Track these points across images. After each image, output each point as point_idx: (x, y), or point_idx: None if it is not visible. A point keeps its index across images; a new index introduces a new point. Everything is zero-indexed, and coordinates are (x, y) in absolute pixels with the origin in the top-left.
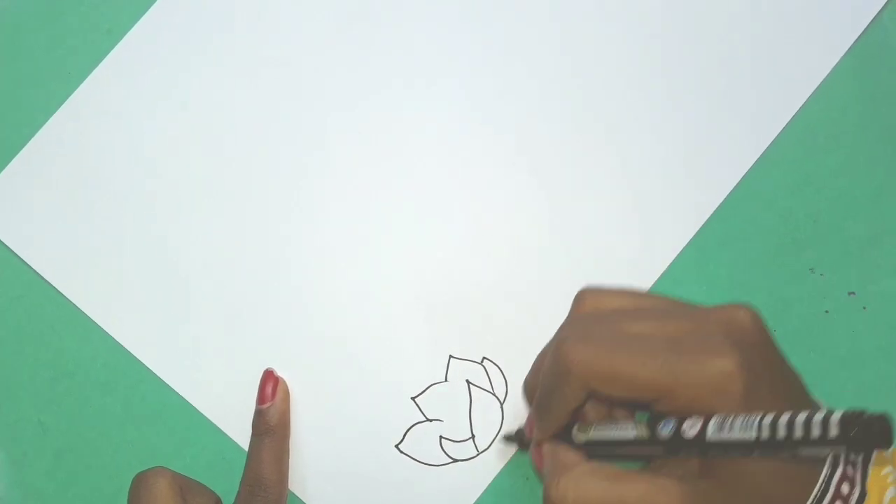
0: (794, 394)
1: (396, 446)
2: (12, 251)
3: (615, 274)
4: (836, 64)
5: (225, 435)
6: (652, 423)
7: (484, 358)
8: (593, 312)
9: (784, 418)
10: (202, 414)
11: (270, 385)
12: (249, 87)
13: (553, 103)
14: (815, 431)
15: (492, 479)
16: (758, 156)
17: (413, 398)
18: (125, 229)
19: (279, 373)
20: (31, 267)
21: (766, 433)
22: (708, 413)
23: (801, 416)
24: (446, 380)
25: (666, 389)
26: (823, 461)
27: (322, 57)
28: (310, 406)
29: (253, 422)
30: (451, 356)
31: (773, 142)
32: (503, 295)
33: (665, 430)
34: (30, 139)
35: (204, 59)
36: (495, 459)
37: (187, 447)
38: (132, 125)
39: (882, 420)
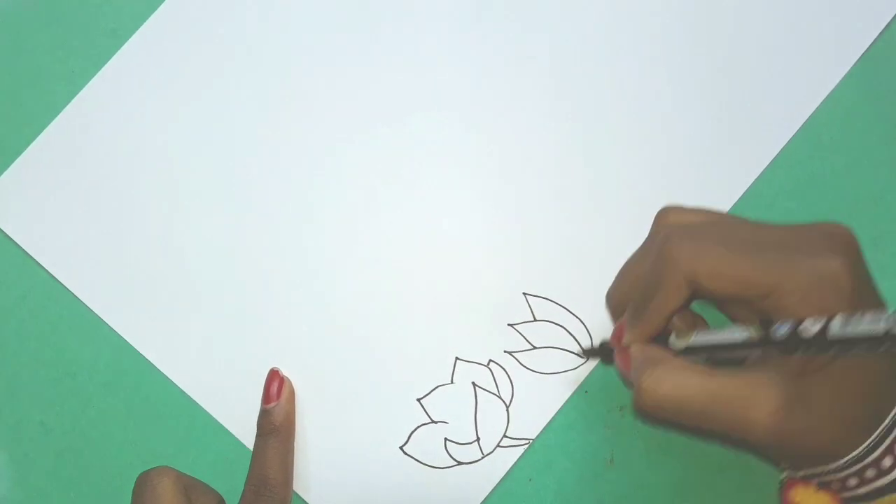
0: (887, 304)
1: (401, 448)
2: (17, 248)
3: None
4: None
5: (229, 434)
6: (764, 325)
7: (490, 360)
8: (686, 222)
9: None
10: (207, 413)
11: (276, 384)
12: (255, 86)
13: (561, 106)
14: None
15: (497, 482)
16: (768, 162)
17: (418, 400)
18: (132, 227)
19: (284, 372)
20: (35, 266)
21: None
22: (817, 310)
23: None
24: (452, 382)
25: (776, 285)
26: None
27: (328, 58)
28: (315, 406)
29: (258, 421)
30: (457, 358)
31: None
32: (510, 297)
33: (781, 330)
34: (35, 137)
35: (209, 61)
36: (500, 462)
37: (190, 447)
38: (139, 124)
39: None
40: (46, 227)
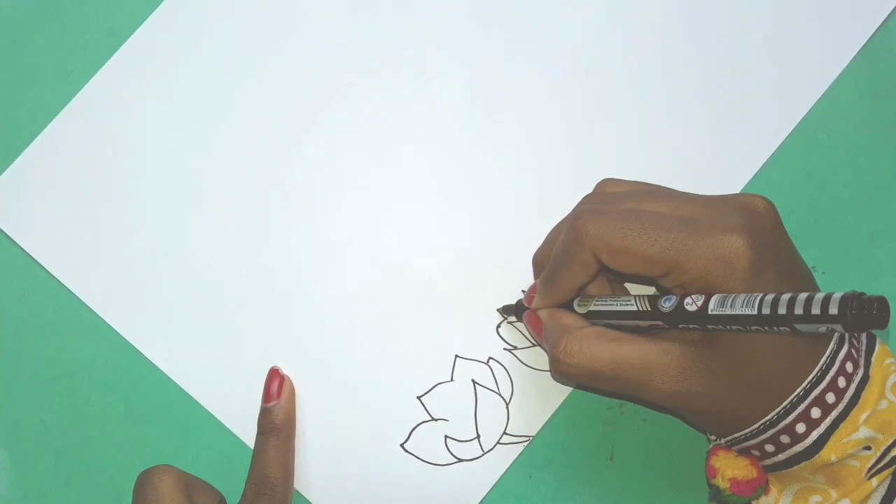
0: (801, 282)
1: (402, 445)
2: (16, 248)
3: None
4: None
5: (229, 432)
6: (653, 298)
7: (490, 358)
8: (609, 192)
9: (785, 297)
10: (206, 411)
11: (276, 383)
12: (254, 85)
13: (559, 104)
14: (815, 310)
15: (497, 478)
16: (765, 159)
17: (419, 397)
18: (131, 226)
19: (285, 371)
20: (34, 265)
21: (766, 309)
22: (712, 289)
23: (803, 296)
24: (452, 379)
25: (674, 264)
26: (829, 339)
27: (327, 57)
28: (315, 404)
29: (259, 420)
30: (456, 356)
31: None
32: (510, 296)
33: (667, 304)
34: (34, 137)
35: (207, 60)
36: (500, 459)
37: (190, 445)
38: (138, 123)
39: (881, 301)
40: (45, 226)
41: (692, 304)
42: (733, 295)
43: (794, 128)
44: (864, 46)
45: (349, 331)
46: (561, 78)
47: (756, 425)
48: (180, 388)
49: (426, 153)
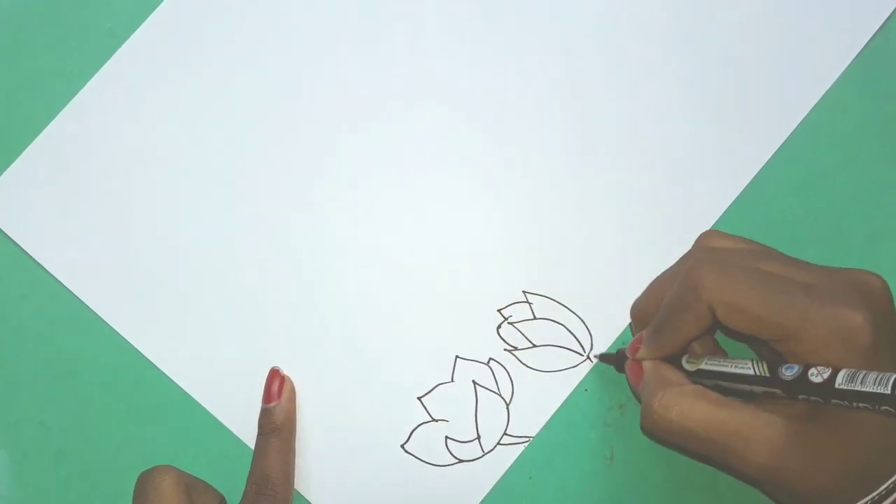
0: None
1: (402, 446)
2: (17, 248)
3: (623, 275)
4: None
5: (229, 433)
6: (773, 365)
7: (490, 359)
8: (723, 248)
9: None
10: (207, 411)
11: (276, 383)
12: (254, 85)
13: (560, 104)
14: None
15: (497, 479)
16: (766, 160)
17: (419, 398)
18: (131, 226)
19: (285, 371)
20: (34, 265)
21: None
22: (830, 362)
23: None
24: (452, 380)
25: (794, 330)
26: None
27: (327, 56)
28: (315, 405)
29: (259, 421)
30: (457, 356)
31: None
32: (510, 295)
33: (789, 372)
34: (34, 138)
35: (207, 60)
36: (501, 460)
37: (190, 446)
38: (138, 124)
39: None
40: (45, 226)
41: (818, 375)
42: (864, 371)
43: (795, 128)
44: (864, 47)
45: (349, 331)
46: (560, 78)
47: None
48: (180, 388)
49: (426, 153)
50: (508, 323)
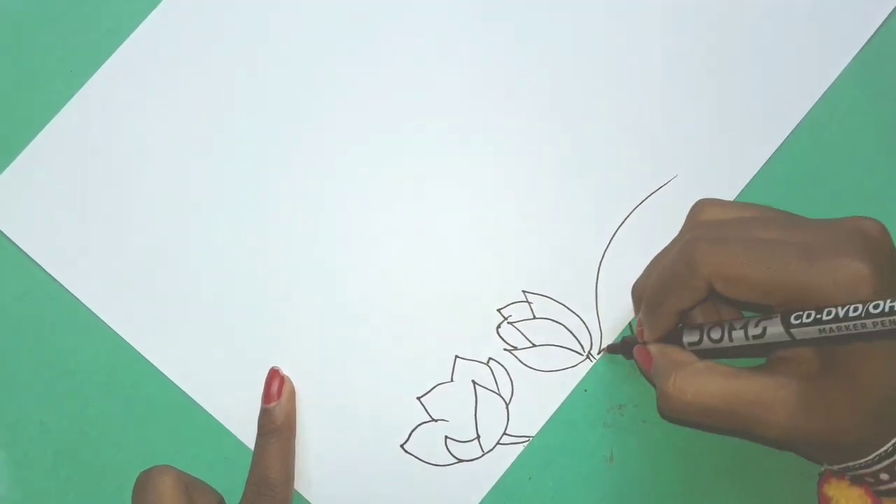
0: None
1: (402, 446)
2: (15, 248)
3: (621, 275)
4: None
5: (228, 433)
6: (785, 315)
7: (490, 358)
8: (717, 220)
9: None
10: (206, 412)
11: (276, 384)
12: (254, 85)
13: (559, 104)
14: None
15: (497, 479)
16: (766, 158)
17: (419, 398)
18: (131, 227)
19: (285, 371)
20: (33, 265)
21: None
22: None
23: None
24: (452, 380)
25: (797, 292)
26: None
27: (328, 56)
28: (315, 405)
29: (259, 421)
30: (456, 356)
31: None
32: (509, 295)
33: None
34: (33, 137)
35: (207, 59)
36: (500, 460)
37: (189, 446)
38: (138, 123)
39: None
40: (44, 226)
41: (831, 312)
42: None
43: (795, 127)
44: (865, 45)
45: (349, 331)
46: (560, 78)
47: (872, 455)
48: (180, 388)
49: (427, 153)
50: (508, 322)
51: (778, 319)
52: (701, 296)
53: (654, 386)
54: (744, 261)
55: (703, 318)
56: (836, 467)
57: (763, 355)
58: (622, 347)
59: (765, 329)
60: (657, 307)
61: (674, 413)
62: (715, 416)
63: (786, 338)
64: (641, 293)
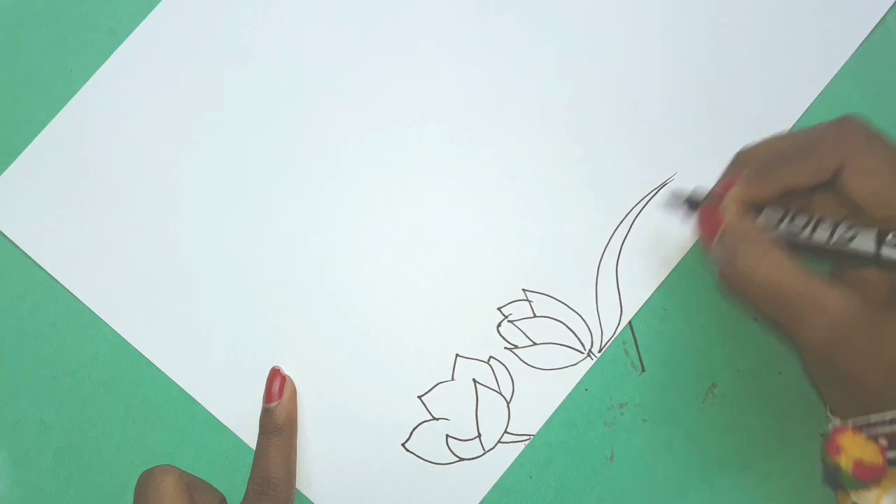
0: None
1: (403, 445)
2: (15, 248)
3: (621, 275)
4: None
5: (229, 432)
6: (881, 234)
7: (490, 357)
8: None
9: None
10: (206, 411)
11: (277, 383)
12: (254, 85)
13: (559, 102)
14: None
15: (498, 477)
16: None
17: (419, 397)
18: (131, 226)
19: (286, 371)
20: (33, 265)
21: None
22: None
23: None
24: (453, 379)
25: None
26: None
27: (328, 56)
28: (316, 404)
29: (260, 420)
30: (457, 355)
31: None
32: (510, 294)
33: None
34: (33, 137)
35: (207, 59)
36: (501, 458)
37: (190, 445)
38: (137, 123)
39: None
40: (44, 226)
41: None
42: None
43: (793, 125)
44: (862, 43)
45: (350, 330)
46: (559, 78)
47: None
48: (180, 388)
49: (427, 152)
50: (509, 321)
51: (873, 232)
52: (820, 177)
53: (706, 254)
54: (887, 162)
55: (821, 211)
56: (850, 422)
57: (831, 268)
58: (689, 200)
59: (855, 235)
60: (768, 173)
61: (736, 288)
62: (769, 303)
63: (870, 253)
64: (750, 156)
